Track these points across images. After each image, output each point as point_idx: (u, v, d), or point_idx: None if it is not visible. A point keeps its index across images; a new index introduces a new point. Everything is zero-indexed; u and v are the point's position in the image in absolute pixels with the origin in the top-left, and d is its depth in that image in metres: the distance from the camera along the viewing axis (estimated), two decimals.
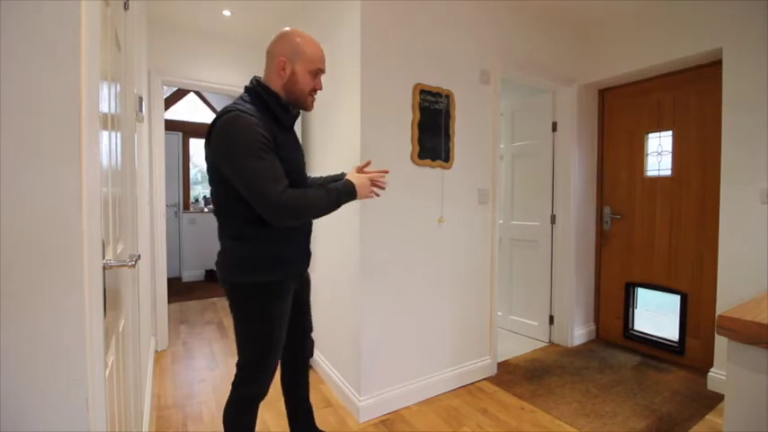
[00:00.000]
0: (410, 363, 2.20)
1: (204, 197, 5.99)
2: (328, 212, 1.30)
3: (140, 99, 2.01)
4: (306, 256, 1.45)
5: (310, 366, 1.65)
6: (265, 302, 1.29)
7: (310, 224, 1.45)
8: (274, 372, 1.35)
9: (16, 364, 0.59)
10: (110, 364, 0.90)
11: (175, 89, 5.27)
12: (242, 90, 1.33)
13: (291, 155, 1.31)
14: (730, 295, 2.25)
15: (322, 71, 1.33)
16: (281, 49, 1.29)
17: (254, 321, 1.29)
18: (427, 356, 2.27)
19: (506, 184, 3.38)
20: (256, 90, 1.29)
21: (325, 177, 1.56)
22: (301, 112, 1.40)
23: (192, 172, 5.85)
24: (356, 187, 1.33)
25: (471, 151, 2.42)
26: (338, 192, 1.29)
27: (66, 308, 0.62)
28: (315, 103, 1.41)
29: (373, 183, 1.39)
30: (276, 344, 1.32)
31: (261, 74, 1.35)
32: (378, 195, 1.42)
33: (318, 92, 1.38)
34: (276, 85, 1.30)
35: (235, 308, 1.31)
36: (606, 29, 2.90)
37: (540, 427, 1.97)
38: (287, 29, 1.32)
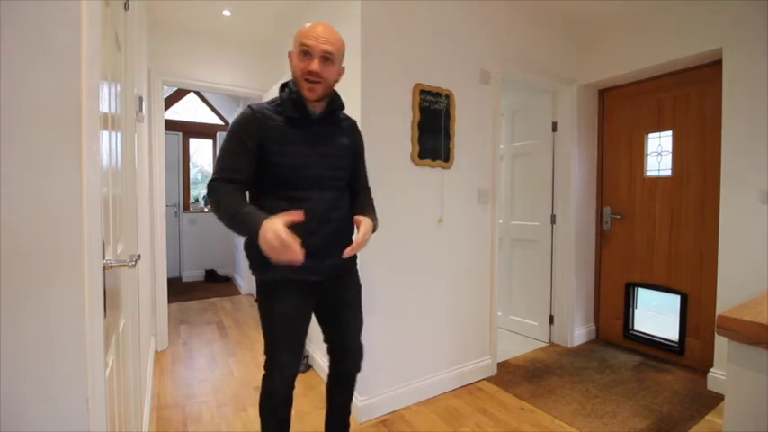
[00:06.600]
0: (410, 363, 2.20)
1: (204, 197, 5.98)
2: (227, 226, 1.21)
3: (140, 99, 2.01)
4: (309, 261, 1.18)
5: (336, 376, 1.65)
6: (264, 300, 1.34)
7: (311, 226, 1.24)
8: (284, 370, 1.35)
9: (16, 364, 0.59)
10: (110, 364, 0.90)
11: (175, 89, 5.27)
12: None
13: (293, 150, 1.26)
14: (730, 295, 2.25)
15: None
16: None
17: (261, 317, 1.37)
18: (427, 356, 2.27)
19: (506, 184, 3.38)
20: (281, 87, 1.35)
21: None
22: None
23: (192, 172, 5.84)
24: (261, 230, 1.08)
25: (471, 151, 2.42)
26: (243, 217, 1.15)
27: (66, 308, 0.62)
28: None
29: (282, 244, 1.04)
30: (278, 343, 1.35)
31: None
32: (274, 257, 1.07)
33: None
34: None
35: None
36: (606, 29, 2.90)
37: (540, 427, 1.97)
38: None
